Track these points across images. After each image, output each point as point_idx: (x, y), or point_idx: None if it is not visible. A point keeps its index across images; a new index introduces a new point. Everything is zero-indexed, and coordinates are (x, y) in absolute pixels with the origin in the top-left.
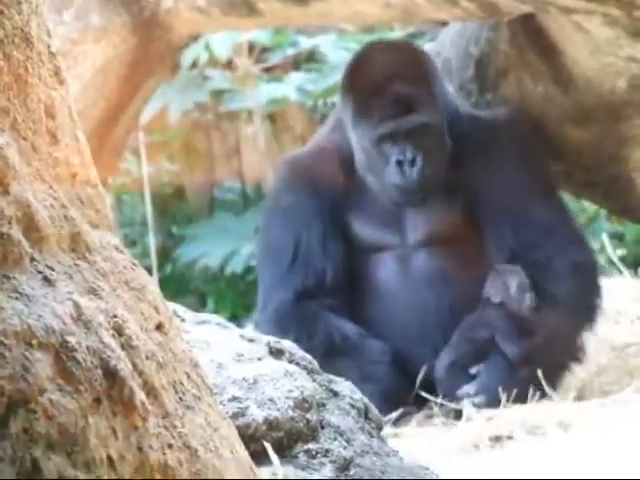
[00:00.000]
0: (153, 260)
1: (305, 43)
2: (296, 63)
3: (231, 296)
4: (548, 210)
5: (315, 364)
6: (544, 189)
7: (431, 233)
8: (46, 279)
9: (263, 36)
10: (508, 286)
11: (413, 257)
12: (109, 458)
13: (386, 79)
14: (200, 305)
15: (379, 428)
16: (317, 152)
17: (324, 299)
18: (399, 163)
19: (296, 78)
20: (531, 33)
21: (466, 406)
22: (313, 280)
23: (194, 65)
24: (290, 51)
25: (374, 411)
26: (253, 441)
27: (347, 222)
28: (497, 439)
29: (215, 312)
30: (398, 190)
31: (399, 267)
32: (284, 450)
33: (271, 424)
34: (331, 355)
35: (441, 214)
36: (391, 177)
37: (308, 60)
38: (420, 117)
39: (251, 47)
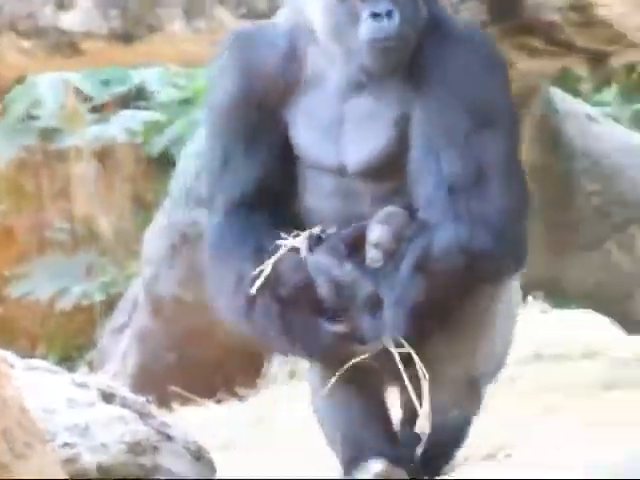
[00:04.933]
0: None
1: (134, 78)
2: (124, 101)
3: (62, 337)
4: (484, 151)
5: (148, 407)
6: (479, 127)
7: (369, 159)
8: None
9: (91, 75)
10: (369, 234)
11: (351, 194)
12: None
13: None
14: (31, 348)
15: (212, 471)
16: (266, 31)
17: (253, 213)
18: (374, 16)
19: (124, 116)
20: None
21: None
22: (239, 192)
23: (20, 107)
24: (118, 89)
25: (206, 454)
26: None
27: (286, 124)
28: None
29: (46, 354)
30: (374, 47)
31: (335, 202)
32: None
33: (104, 469)
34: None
35: (381, 134)
36: (365, 33)
37: (136, 98)
38: None
39: (78, 87)
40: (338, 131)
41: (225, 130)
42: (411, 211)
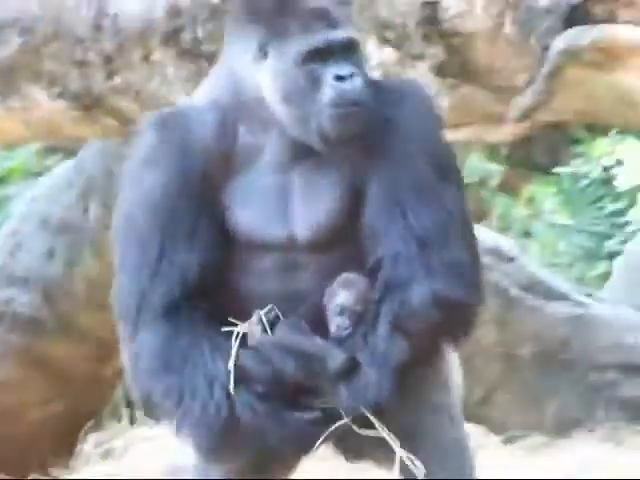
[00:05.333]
0: None
1: None
2: None
3: None
4: (435, 211)
5: None
6: (439, 181)
7: (322, 228)
8: None
9: None
10: (330, 304)
11: (295, 270)
12: None
13: None
14: None
15: None
16: (189, 109)
17: (195, 309)
18: (339, 78)
19: None
20: None
21: None
22: (179, 289)
23: None
24: None
25: None
26: None
27: (222, 206)
28: None
29: None
30: (337, 112)
31: (276, 281)
32: None
33: None
34: None
35: (332, 200)
36: (329, 95)
37: None
38: (347, 32)
39: None
40: (284, 203)
41: (160, 222)
42: (366, 275)
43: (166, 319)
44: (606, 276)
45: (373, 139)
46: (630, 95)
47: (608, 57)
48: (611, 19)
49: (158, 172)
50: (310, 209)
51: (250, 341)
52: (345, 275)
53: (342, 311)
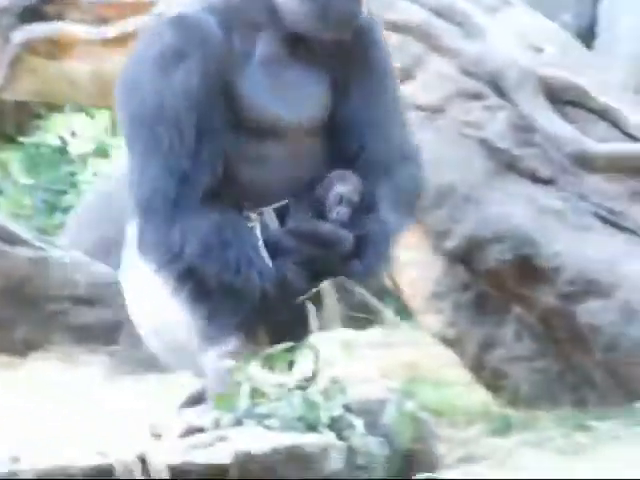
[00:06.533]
0: None
1: None
2: None
3: None
4: (396, 119)
5: None
6: (396, 96)
7: (315, 119)
8: None
9: None
10: (329, 194)
11: (293, 157)
12: None
13: None
14: None
15: None
16: (197, 14)
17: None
18: None
19: None
20: None
21: None
22: (209, 180)
23: None
24: None
25: None
26: None
27: (238, 95)
28: None
29: None
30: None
31: (279, 169)
32: None
33: None
34: None
35: (319, 94)
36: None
37: None
38: None
39: None
40: (288, 94)
41: (196, 111)
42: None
43: (207, 204)
44: (62, 225)
45: (354, 44)
46: (76, 78)
47: (58, 48)
48: (60, 17)
49: (191, 65)
50: (307, 100)
51: (263, 231)
52: (338, 171)
53: (341, 200)
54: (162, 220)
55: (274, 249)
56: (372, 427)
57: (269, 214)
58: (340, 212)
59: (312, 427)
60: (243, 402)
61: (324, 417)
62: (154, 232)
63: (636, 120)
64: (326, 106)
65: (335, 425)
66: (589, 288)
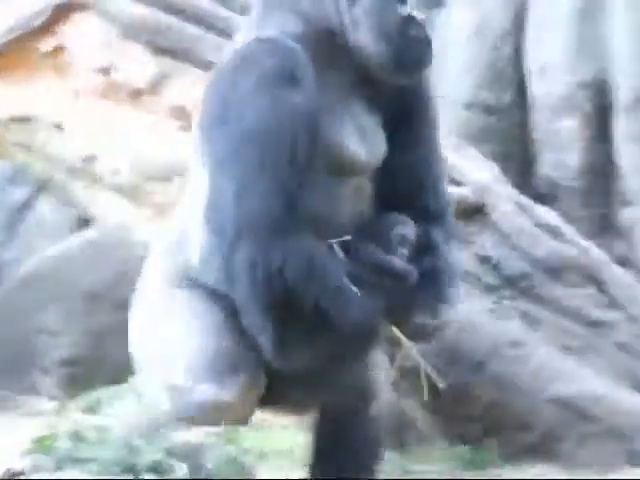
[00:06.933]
0: None
1: None
2: None
3: None
4: (438, 168)
5: None
6: (438, 143)
7: (378, 157)
8: None
9: None
10: (390, 234)
11: (359, 194)
12: None
13: None
14: None
15: None
16: (279, 39)
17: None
18: (414, 19)
19: None
20: None
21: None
22: (303, 210)
23: None
24: None
25: None
26: None
27: (319, 127)
28: None
29: None
30: (419, 46)
31: (345, 205)
32: None
33: None
34: None
35: (381, 131)
36: (408, 30)
37: None
38: None
39: None
40: (357, 131)
41: (302, 136)
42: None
43: (304, 228)
44: None
45: (412, 87)
46: None
47: None
48: None
49: (305, 87)
50: (379, 140)
51: None
52: (396, 214)
53: (403, 241)
54: (263, 238)
55: (354, 280)
56: (196, 471)
57: (336, 247)
58: (401, 252)
59: (132, 471)
60: (63, 445)
61: (145, 460)
62: (252, 249)
63: (460, 164)
64: (383, 147)
65: (157, 468)
66: None
